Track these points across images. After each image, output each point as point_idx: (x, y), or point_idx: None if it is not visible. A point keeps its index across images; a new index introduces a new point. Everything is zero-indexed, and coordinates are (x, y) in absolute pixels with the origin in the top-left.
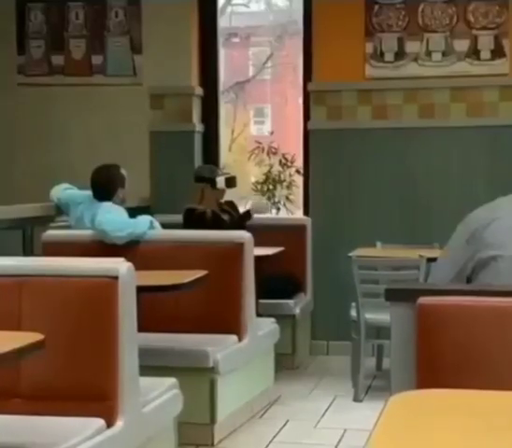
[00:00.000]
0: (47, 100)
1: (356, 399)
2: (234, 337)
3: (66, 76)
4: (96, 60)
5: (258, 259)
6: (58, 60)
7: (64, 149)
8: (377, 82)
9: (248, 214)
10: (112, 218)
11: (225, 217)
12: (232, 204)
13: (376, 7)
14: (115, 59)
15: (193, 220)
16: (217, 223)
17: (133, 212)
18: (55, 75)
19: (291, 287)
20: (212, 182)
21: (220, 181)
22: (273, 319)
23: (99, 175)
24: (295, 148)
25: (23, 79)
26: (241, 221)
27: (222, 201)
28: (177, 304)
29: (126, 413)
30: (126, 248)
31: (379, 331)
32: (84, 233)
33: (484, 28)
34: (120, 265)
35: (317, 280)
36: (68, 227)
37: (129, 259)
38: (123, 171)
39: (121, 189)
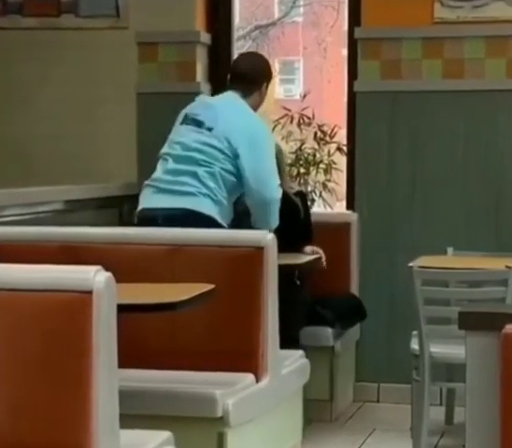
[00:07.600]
0: None
1: None
2: (251, 376)
3: (25, 16)
4: None
5: (284, 270)
6: None
7: (17, 118)
8: (450, 27)
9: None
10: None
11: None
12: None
13: None
14: None
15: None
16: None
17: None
18: (10, 14)
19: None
20: None
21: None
22: (301, 352)
23: (246, 62)
24: (336, 118)
25: None
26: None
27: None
28: (174, 330)
29: None
30: (103, 252)
31: (450, 371)
32: (42, 231)
33: None
34: (95, 275)
35: (364, 299)
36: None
37: (108, 267)
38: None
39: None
